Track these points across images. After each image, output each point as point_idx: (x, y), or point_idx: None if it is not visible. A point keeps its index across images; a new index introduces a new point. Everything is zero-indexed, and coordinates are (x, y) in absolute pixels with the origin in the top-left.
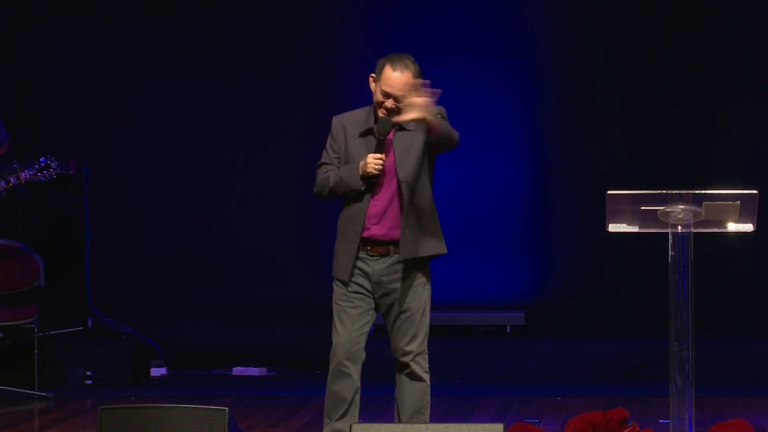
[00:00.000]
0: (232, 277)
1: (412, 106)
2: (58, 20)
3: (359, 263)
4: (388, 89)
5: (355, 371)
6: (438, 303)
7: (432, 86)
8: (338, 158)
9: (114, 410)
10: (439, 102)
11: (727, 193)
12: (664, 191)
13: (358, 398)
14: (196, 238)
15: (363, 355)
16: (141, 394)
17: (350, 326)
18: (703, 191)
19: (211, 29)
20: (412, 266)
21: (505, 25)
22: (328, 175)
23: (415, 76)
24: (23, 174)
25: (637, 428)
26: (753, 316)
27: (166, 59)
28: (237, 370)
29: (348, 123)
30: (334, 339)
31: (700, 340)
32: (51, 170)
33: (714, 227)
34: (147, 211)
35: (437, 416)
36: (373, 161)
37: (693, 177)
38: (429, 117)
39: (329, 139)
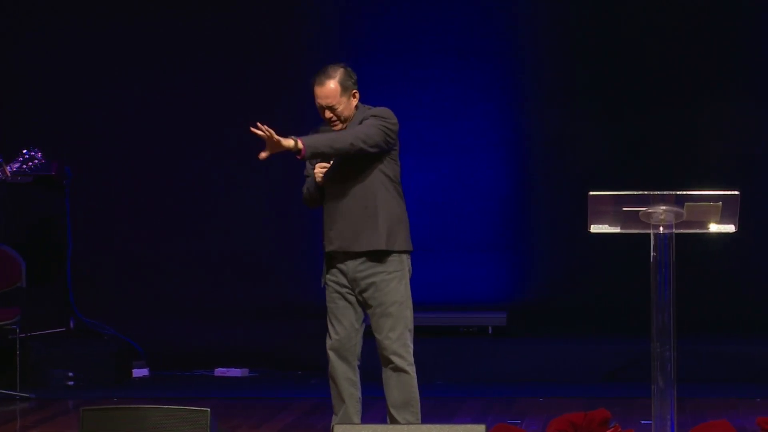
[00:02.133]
0: (214, 278)
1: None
2: (41, 21)
3: (336, 263)
4: (318, 102)
5: (350, 367)
6: (420, 304)
7: (414, 86)
8: (312, 168)
9: (96, 411)
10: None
11: (709, 194)
12: (645, 192)
13: (358, 393)
14: (178, 239)
15: (357, 351)
16: (123, 395)
17: (337, 324)
18: (684, 192)
19: (195, 31)
20: (383, 261)
21: (488, 26)
22: (305, 185)
23: (343, 80)
24: (9, 168)
25: (619, 429)
26: (735, 316)
27: (149, 61)
28: (219, 371)
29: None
30: (327, 339)
31: (681, 341)
32: (36, 161)
33: (696, 228)
34: (129, 212)
35: None
36: (317, 171)
37: (675, 178)
38: (285, 147)
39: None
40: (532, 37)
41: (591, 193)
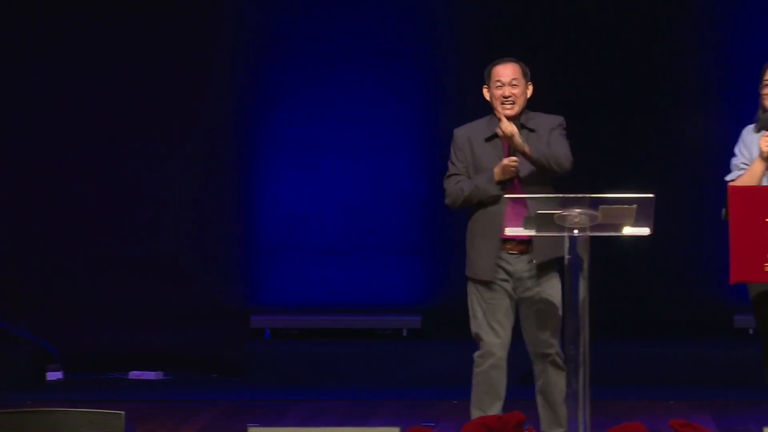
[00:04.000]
0: (129, 279)
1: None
2: None
3: (501, 263)
4: (499, 79)
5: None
6: (335, 306)
7: (333, 89)
8: (465, 167)
9: (9, 414)
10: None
11: (624, 197)
12: (560, 195)
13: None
14: (93, 240)
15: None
16: (37, 399)
17: (498, 327)
18: (599, 195)
19: (112, 31)
20: (547, 264)
21: (406, 28)
22: (461, 185)
23: (524, 68)
24: None
25: (534, 431)
26: (650, 318)
27: (66, 60)
28: (134, 374)
29: (472, 132)
30: (485, 338)
31: (596, 343)
32: None
33: (610, 231)
34: (42, 213)
35: (335, 420)
36: (510, 163)
37: (590, 181)
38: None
39: (454, 150)
40: (451, 40)
41: (506, 196)
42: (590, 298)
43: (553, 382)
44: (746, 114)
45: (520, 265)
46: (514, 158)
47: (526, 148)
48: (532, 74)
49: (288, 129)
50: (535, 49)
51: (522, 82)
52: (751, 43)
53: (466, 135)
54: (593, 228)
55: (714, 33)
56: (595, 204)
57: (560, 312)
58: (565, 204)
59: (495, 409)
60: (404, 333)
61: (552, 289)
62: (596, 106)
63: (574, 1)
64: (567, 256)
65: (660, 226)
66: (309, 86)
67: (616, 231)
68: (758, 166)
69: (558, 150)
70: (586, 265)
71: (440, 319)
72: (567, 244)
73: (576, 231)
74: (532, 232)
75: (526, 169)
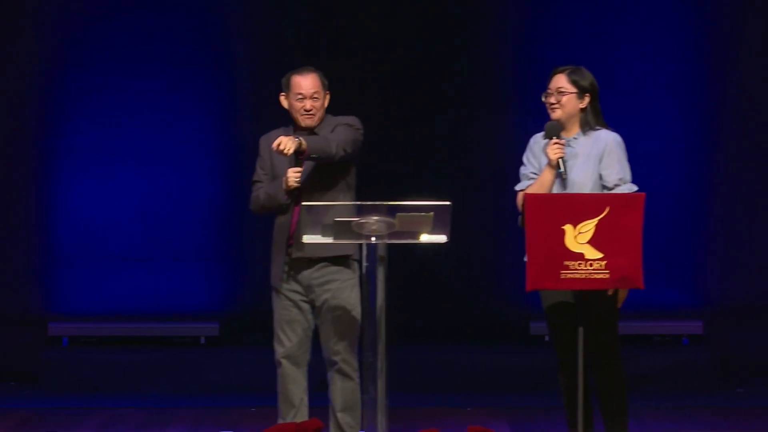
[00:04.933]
0: None
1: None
2: None
3: (290, 270)
4: (299, 92)
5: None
6: (134, 314)
7: (130, 96)
8: (266, 175)
9: None
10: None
11: (421, 205)
12: (357, 203)
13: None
14: None
15: (307, 358)
16: None
17: (291, 332)
18: (396, 203)
19: None
20: (337, 269)
21: (202, 37)
22: (260, 192)
23: (322, 77)
24: None
25: None
26: (447, 325)
27: None
28: None
29: (272, 140)
30: (275, 347)
31: (394, 350)
32: None
33: (408, 238)
34: None
35: (132, 427)
36: (292, 175)
37: (389, 189)
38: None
39: (258, 158)
40: (245, 47)
41: (304, 203)
42: (388, 305)
43: (337, 389)
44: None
45: (308, 272)
46: (295, 169)
47: (302, 144)
48: (329, 77)
49: (84, 136)
50: (330, 56)
51: (322, 93)
52: (547, 51)
53: (267, 142)
54: (391, 235)
55: (509, 40)
56: (392, 211)
57: (357, 319)
58: (363, 211)
59: (291, 416)
60: (202, 340)
61: (344, 295)
62: (394, 114)
63: (368, 8)
64: (365, 264)
65: (457, 233)
66: (105, 93)
67: (413, 238)
68: (548, 175)
69: (333, 136)
70: (383, 273)
71: (238, 326)
72: (365, 252)
73: (373, 238)
74: (329, 240)
75: (320, 176)
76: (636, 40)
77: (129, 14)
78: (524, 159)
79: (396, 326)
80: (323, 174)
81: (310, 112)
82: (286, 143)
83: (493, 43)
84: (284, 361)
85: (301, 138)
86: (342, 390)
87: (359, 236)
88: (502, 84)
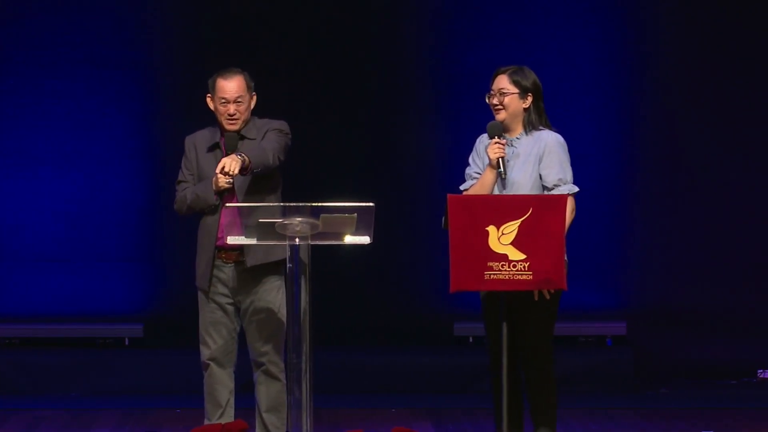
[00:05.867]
0: None
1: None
2: None
3: (216, 271)
4: (222, 96)
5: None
6: (57, 315)
7: (50, 97)
8: (192, 175)
9: None
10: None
11: (344, 206)
12: (281, 204)
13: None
14: None
15: (233, 358)
16: None
17: (216, 334)
18: (320, 204)
19: None
20: (263, 271)
21: (123, 37)
22: (186, 192)
23: (248, 79)
24: None
25: None
26: (371, 326)
27: None
28: None
29: (198, 141)
30: (201, 348)
31: (318, 352)
32: None
33: (332, 239)
34: None
35: (54, 429)
36: (222, 177)
37: (312, 189)
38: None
39: (183, 158)
40: (167, 47)
41: (228, 204)
42: (312, 307)
43: (263, 389)
44: (477, 123)
45: (233, 273)
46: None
47: (245, 161)
48: (260, 78)
49: (3, 137)
50: (259, 55)
51: (246, 97)
52: (465, 53)
53: (193, 143)
54: (315, 237)
55: (429, 42)
56: (315, 213)
57: (283, 321)
58: (286, 212)
59: (217, 416)
60: (126, 342)
61: (270, 297)
62: (319, 114)
63: (292, 8)
64: (288, 265)
65: (381, 234)
66: (25, 94)
67: (337, 239)
68: (488, 175)
69: (268, 145)
70: (307, 274)
71: (162, 327)
72: (288, 253)
73: (297, 239)
74: (252, 241)
75: (247, 179)
76: (554, 40)
77: (49, 16)
78: (470, 159)
79: (321, 328)
80: (250, 180)
81: (234, 117)
82: (230, 165)
83: (414, 45)
84: (211, 363)
85: (243, 155)
86: (268, 391)
87: (284, 237)
88: (424, 86)
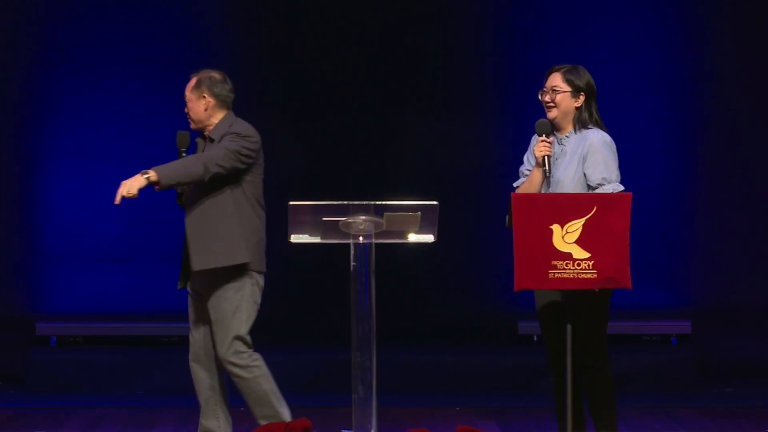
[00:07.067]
0: None
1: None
2: None
3: (189, 274)
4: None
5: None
6: (121, 313)
7: (112, 96)
8: None
9: None
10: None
11: (408, 204)
12: (345, 202)
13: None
14: None
15: (212, 354)
16: None
17: (194, 331)
18: (384, 202)
19: None
20: (218, 273)
21: (181, 38)
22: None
23: (202, 80)
24: None
25: None
26: (434, 326)
27: None
28: None
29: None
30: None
31: (382, 350)
32: None
33: (395, 238)
34: None
35: (116, 427)
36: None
37: (375, 188)
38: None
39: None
40: (221, 48)
41: (291, 203)
42: (376, 306)
43: (240, 388)
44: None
45: (198, 276)
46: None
47: (150, 178)
48: (306, 74)
49: (67, 136)
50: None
51: (192, 98)
52: (526, 52)
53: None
54: (378, 235)
55: (488, 41)
56: (379, 211)
57: (234, 321)
58: (351, 211)
59: (201, 414)
60: None
61: (218, 301)
62: (382, 112)
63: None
64: (353, 263)
65: (446, 232)
66: (88, 93)
67: (401, 238)
68: (536, 173)
69: (206, 154)
70: (371, 273)
71: None
72: (352, 251)
73: (361, 238)
74: (317, 239)
75: (198, 187)
76: (617, 39)
77: (110, 15)
78: (524, 157)
79: (384, 326)
80: (206, 185)
81: (189, 116)
82: (130, 186)
83: (473, 43)
84: (191, 354)
85: (151, 172)
86: (240, 388)
87: (347, 236)
88: (486, 84)
